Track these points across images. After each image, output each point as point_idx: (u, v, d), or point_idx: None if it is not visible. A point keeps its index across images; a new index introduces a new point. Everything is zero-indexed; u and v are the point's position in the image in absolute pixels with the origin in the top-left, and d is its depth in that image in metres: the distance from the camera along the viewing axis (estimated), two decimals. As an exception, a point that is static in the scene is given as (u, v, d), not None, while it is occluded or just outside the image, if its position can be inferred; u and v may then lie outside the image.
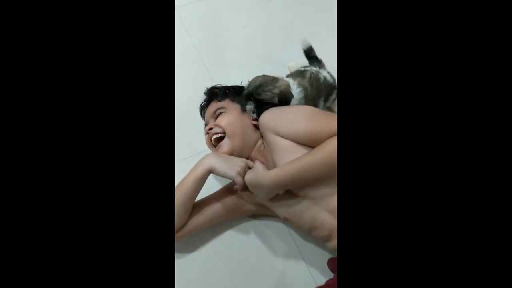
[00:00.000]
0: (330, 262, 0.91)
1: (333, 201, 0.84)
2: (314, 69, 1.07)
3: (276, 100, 0.93)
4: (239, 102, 1.01)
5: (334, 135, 0.80)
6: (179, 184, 0.90)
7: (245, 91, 0.97)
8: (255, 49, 1.39)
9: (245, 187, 0.88)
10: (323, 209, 0.86)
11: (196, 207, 0.95)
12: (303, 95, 0.98)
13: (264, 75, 0.99)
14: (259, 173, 0.85)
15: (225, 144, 0.95)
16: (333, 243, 0.87)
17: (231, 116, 0.98)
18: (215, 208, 0.97)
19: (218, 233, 1.05)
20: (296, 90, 0.97)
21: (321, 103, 1.05)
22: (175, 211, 0.87)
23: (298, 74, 1.03)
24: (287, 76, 1.03)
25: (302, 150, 0.84)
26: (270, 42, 1.41)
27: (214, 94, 1.06)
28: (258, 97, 0.94)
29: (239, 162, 0.89)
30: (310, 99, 1.00)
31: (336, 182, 0.79)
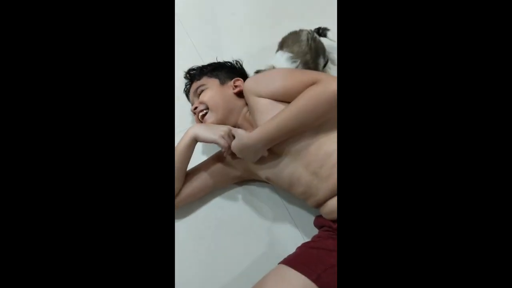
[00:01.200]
0: (316, 220, 0.97)
1: (308, 155, 0.89)
2: (309, 30, 1.08)
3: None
4: (217, 76, 1.06)
5: (307, 87, 0.85)
6: None
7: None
8: (245, 34, 1.35)
9: (232, 153, 0.93)
10: (300, 165, 0.90)
11: (188, 176, 1.01)
12: (302, 65, 1.02)
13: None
14: (243, 137, 0.89)
15: (209, 117, 1.01)
16: (311, 200, 0.92)
17: (211, 91, 1.03)
18: (206, 175, 1.03)
19: (207, 200, 1.10)
20: (293, 64, 1.01)
21: (321, 61, 1.08)
22: None
23: (294, 40, 1.05)
24: (281, 49, 1.05)
25: (281, 107, 0.88)
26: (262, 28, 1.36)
27: (192, 75, 1.11)
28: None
29: (222, 127, 0.94)
30: (311, 63, 1.03)
31: (313, 133, 0.88)
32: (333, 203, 0.87)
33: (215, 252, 1.04)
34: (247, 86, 0.96)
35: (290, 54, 1.02)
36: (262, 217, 1.08)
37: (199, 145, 1.02)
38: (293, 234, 1.04)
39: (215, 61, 1.14)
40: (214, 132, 0.92)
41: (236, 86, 1.04)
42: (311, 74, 0.89)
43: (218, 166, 1.03)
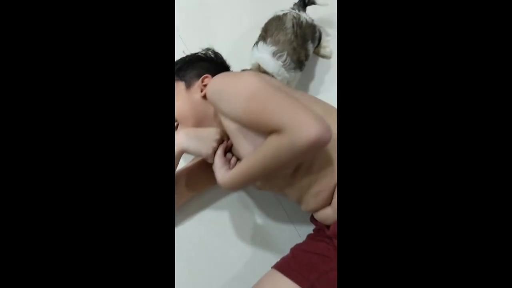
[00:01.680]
0: (312, 216, 0.93)
1: (296, 179, 0.80)
2: (294, 11, 1.02)
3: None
4: (183, 78, 0.90)
5: (270, 130, 0.67)
6: None
7: None
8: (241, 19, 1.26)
9: None
10: (288, 184, 0.83)
11: (177, 177, 0.94)
12: (287, 54, 0.96)
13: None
14: (217, 177, 0.80)
15: (180, 130, 0.86)
16: (303, 207, 0.86)
17: (177, 99, 0.87)
18: (195, 177, 0.97)
19: (200, 200, 1.06)
20: (280, 59, 0.95)
21: (310, 45, 1.02)
22: None
23: (278, 27, 0.98)
24: (263, 40, 0.98)
25: (250, 134, 0.74)
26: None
27: None
28: None
29: (213, 136, 0.83)
30: (300, 49, 0.98)
31: (287, 173, 0.78)
32: (325, 212, 0.82)
33: (210, 252, 1.02)
34: (209, 95, 0.79)
35: (274, 48, 0.96)
36: (257, 214, 1.05)
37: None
38: (289, 231, 1.03)
39: (185, 55, 0.97)
40: (205, 145, 0.81)
41: (204, 86, 0.87)
42: (279, 114, 0.65)
43: (208, 167, 0.90)
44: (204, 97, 0.86)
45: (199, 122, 0.87)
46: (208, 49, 0.97)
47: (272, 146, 0.66)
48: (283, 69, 0.96)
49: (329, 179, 0.76)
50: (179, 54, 1.00)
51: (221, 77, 0.79)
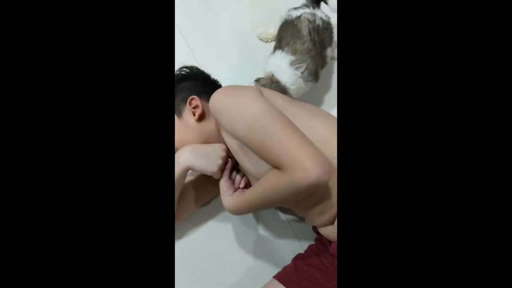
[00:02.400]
0: (314, 227, 0.92)
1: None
2: (308, 11, 0.92)
3: None
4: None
5: (271, 163, 0.66)
6: None
7: None
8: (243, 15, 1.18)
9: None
10: (292, 204, 0.83)
11: (184, 189, 0.91)
12: (307, 64, 0.89)
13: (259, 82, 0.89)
14: (223, 201, 0.80)
15: None
16: (308, 222, 0.85)
17: (176, 134, 0.85)
18: (202, 188, 0.94)
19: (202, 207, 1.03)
20: (298, 70, 0.88)
21: (329, 50, 0.95)
22: None
23: (293, 36, 0.90)
24: (280, 48, 0.91)
25: (251, 154, 0.73)
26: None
27: None
28: None
29: (218, 153, 0.81)
30: (318, 58, 0.91)
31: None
32: (327, 230, 0.78)
33: (211, 259, 0.99)
34: (212, 108, 0.74)
35: (293, 58, 0.89)
36: (259, 221, 1.03)
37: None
38: (290, 239, 1.02)
39: None
40: (210, 163, 0.79)
41: (194, 108, 0.84)
42: (279, 153, 0.64)
43: (211, 179, 0.87)
44: (200, 118, 0.84)
45: (205, 143, 0.84)
46: (181, 68, 0.92)
47: (271, 182, 0.67)
48: (300, 80, 0.90)
49: (333, 201, 0.74)
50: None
51: (221, 94, 0.74)
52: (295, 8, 0.94)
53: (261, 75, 0.93)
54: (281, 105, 0.73)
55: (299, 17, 0.92)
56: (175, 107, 0.86)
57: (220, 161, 0.80)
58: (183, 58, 1.07)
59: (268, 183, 0.67)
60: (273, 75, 0.89)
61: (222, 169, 0.82)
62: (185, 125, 0.85)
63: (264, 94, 0.73)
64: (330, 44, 0.94)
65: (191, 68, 0.92)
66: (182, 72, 0.91)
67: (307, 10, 0.93)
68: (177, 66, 0.93)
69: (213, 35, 1.14)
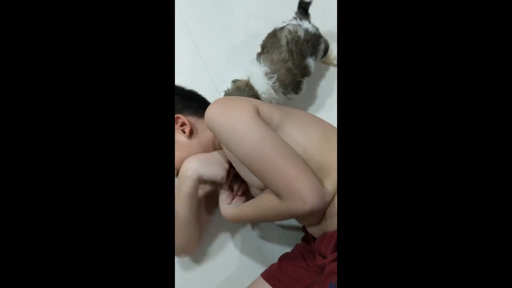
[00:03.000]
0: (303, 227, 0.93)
1: None
2: (294, 22, 0.93)
3: None
4: None
5: (271, 189, 0.68)
6: (177, 208, 0.84)
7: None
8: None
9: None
10: None
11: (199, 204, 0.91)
12: (278, 75, 0.90)
13: (233, 90, 0.91)
14: (220, 207, 0.84)
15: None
16: (298, 221, 0.89)
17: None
18: (213, 199, 0.94)
19: None
20: (270, 81, 0.90)
21: (311, 61, 0.93)
22: (186, 236, 0.87)
23: (273, 45, 0.92)
24: (258, 56, 0.93)
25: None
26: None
27: None
28: None
29: (223, 158, 0.83)
30: (295, 69, 0.91)
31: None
32: (312, 229, 0.80)
33: (203, 254, 1.02)
34: (208, 126, 0.73)
35: (267, 68, 0.91)
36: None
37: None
38: (279, 237, 1.05)
39: None
40: (218, 169, 0.81)
41: (182, 126, 0.85)
42: (277, 183, 0.66)
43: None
44: (190, 134, 0.85)
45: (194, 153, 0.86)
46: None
47: (269, 206, 0.71)
48: (272, 90, 0.91)
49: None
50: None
51: (215, 113, 0.72)
52: (284, 22, 0.96)
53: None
54: (279, 119, 0.74)
55: (282, 28, 0.93)
56: None
57: (227, 166, 0.83)
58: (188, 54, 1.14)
59: (266, 206, 0.72)
60: (249, 80, 0.91)
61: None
62: (179, 145, 0.85)
63: (260, 111, 0.73)
64: (312, 54, 0.93)
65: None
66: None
67: (293, 22, 0.94)
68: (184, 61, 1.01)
69: (221, 32, 1.18)
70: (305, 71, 0.93)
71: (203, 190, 0.96)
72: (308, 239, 0.90)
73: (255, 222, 0.88)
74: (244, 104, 0.72)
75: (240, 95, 0.90)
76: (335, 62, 1.06)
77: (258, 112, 0.71)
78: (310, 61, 0.93)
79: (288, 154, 0.68)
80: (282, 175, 0.65)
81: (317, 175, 0.69)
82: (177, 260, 1.01)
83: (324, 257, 0.74)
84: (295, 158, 0.68)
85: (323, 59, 1.03)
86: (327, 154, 0.72)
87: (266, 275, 0.90)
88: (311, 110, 1.10)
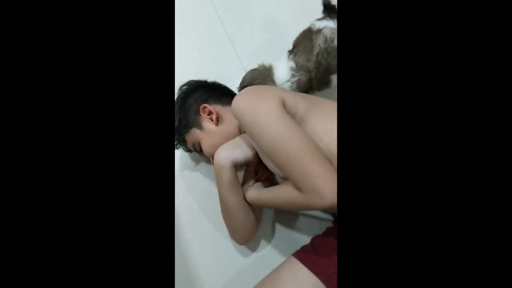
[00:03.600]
0: None
1: None
2: (332, 25, 0.85)
3: None
4: (190, 126, 0.93)
5: (291, 181, 0.71)
6: (221, 200, 0.89)
7: (238, 88, 0.92)
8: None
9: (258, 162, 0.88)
10: None
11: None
12: (299, 81, 0.86)
13: (253, 71, 0.88)
14: (243, 186, 0.89)
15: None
16: None
17: (202, 143, 0.93)
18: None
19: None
20: (289, 75, 0.85)
21: (334, 77, 0.88)
22: (241, 221, 0.90)
23: (304, 49, 0.85)
24: (290, 53, 0.86)
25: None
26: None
27: (180, 144, 0.98)
28: None
29: (249, 144, 0.86)
30: (315, 82, 0.85)
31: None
32: None
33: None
34: (234, 112, 0.77)
35: (293, 65, 0.85)
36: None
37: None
38: (310, 221, 1.04)
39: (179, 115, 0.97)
40: (247, 149, 0.84)
41: (209, 115, 0.91)
42: (299, 177, 0.69)
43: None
44: (218, 121, 0.90)
45: (225, 140, 0.89)
46: (181, 87, 0.97)
47: (289, 197, 0.73)
48: (288, 86, 0.88)
49: None
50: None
51: (241, 103, 0.76)
52: (320, 19, 0.87)
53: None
54: (303, 111, 0.75)
55: (320, 31, 0.85)
56: (193, 122, 0.91)
57: (253, 146, 0.84)
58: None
59: (286, 196, 0.74)
60: (271, 67, 0.88)
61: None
62: (209, 133, 0.91)
63: (286, 103, 0.74)
64: (336, 70, 0.87)
65: (188, 83, 0.97)
66: (183, 90, 0.96)
67: (331, 24, 0.85)
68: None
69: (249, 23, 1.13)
70: (323, 86, 0.88)
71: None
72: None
73: (273, 208, 0.90)
74: (270, 96, 0.73)
75: (252, 76, 0.89)
76: None
77: (284, 104, 0.73)
78: (333, 77, 0.88)
79: (310, 150, 0.69)
80: (303, 170, 0.67)
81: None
82: (198, 235, 1.03)
83: None
84: (316, 153, 0.69)
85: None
86: None
87: (298, 255, 0.90)
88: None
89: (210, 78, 1.02)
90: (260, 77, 0.88)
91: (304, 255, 0.88)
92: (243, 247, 1.01)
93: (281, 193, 0.77)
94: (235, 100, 0.75)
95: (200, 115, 0.92)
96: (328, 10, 0.88)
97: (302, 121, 0.74)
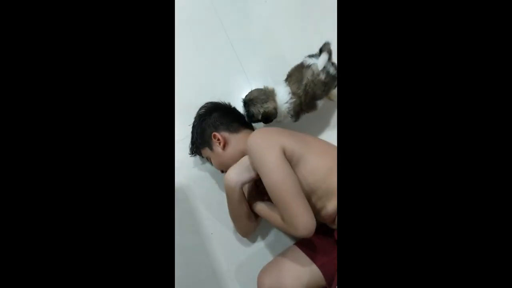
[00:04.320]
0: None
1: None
2: (318, 65, 1.10)
3: (259, 117, 1.10)
4: (204, 144, 1.19)
5: (279, 210, 0.98)
6: (230, 210, 1.16)
7: (243, 99, 1.15)
8: (276, 23, 1.41)
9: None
10: None
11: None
12: (294, 103, 1.11)
13: (259, 90, 1.11)
14: (247, 197, 1.14)
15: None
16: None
17: (212, 160, 1.19)
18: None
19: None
20: (288, 98, 1.10)
21: (319, 102, 1.14)
22: (246, 223, 1.18)
23: (296, 79, 1.10)
24: (286, 79, 1.12)
25: None
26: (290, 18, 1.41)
27: (194, 152, 1.26)
28: (247, 108, 1.11)
29: (247, 162, 1.08)
30: (304, 105, 1.11)
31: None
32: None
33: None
34: (248, 149, 1.02)
35: (289, 90, 1.10)
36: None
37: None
38: None
39: (193, 123, 1.24)
40: (252, 170, 1.05)
41: (218, 141, 1.15)
42: (285, 211, 0.96)
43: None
44: (224, 146, 1.15)
45: (235, 161, 1.12)
46: (201, 108, 1.24)
47: (277, 222, 1.02)
48: (286, 106, 1.12)
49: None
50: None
51: (254, 145, 1.01)
52: (311, 56, 1.13)
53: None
54: (298, 156, 1.01)
55: (309, 66, 1.11)
56: (206, 144, 1.18)
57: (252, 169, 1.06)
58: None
59: (275, 220, 1.03)
60: (274, 90, 1.12)
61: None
62: (217, 154, 1.17)
63: (285, 149, 0.99)
64: (322, 97, 1.13)
65: (206, 106, 1.23)
66: (201, 113, 1.22)
67: (316, 64, 1.11)
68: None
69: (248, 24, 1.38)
70: (311, 109, 1.14)
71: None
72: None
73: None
74: (275, 143, 1.00)
75: (255, 94, 1.12)
76: (334, 99, 1.27)
77: (284, 151, 0.99)
78: (319, 102, 1.14)
79: (295, 194, 0.96)
80: (287, 208, 0.96)
81: (325, 197, 1.01)
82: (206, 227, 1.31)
83: None
84: (299, 197, 0.96)
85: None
86: (331, 180, 0.99)
87: (298, 244, 1.17)
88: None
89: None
90: (265, 95, 1.10)
91: (303, 244, 1.14)
92: (252, 237, 1.30)
93: (274, 217, 1.04)
94: (251, 139, 1.01)
95: (211, 139, 1.17)
96: (321, 51, 1.12)
97: (298, 162, 1.00)
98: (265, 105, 1.09)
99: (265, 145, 1.00)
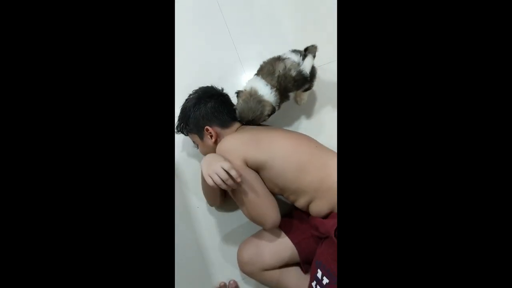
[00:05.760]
0: None
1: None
2: (296, 60, 1.20)
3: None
4: (195, 131, 1.26)
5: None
6: (203, 190, 1.28)
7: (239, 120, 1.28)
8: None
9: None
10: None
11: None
12: (273, 92, 1.22)
13: (247, 102, 1.20)
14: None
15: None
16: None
17: (199, 147, 1.30)
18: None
19: None
20: (269, 90, 1.21)
21: (291, 94, 1.25)
22: (215, 196, 1.29)
23: (268, 73, 1.21)
24: (257, 74, 1.24)
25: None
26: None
27: (181, 131, 1.32)
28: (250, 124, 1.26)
29: (222, 163, 1.04)
30: (281, 94, 1.22)
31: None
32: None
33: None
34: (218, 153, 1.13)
35: (265, 82, 1.20)
36: None
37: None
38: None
39: (182, 106, 1.29)
40: (210, 168, 1.04)
41: (210, 135, 1.24)
42: (250, 211, 1.13)
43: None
44: (215, 140, 1.24)
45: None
46: (190, 95, 1.31)
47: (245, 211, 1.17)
48: (274, 93, 1.21)
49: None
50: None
51: (219, 152, 1.13)
52: (294, 51, 1.23)
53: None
54: (263, 164, 1.12)
55: (283, 60, 1.22)
56: (198, 132, 1.26)
57: (218, 169, 1.04)
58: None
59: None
60: (252, 90, 1.20)
61: (217, 177, 1.08)
62: (207, 145, 1.27)
63: (248, 160, 1.11)
64: (293, 90, 1.24)
65: (202, 90, 1.29)
66: (199, 94, 1.28)
67: (295, 59, 1.21)
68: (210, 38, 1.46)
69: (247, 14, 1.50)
70: (285, 99, 1.25)
71: None
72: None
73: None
74: (237, 155, 1.11)
75: (249, 107, 1.19)
76: (302, 103, 1.38)
77: (247, 162, 1.10)
78: (290, 94, 1.25)
79: (261, 195, 1.11)
80: (254, 208, 1.12)
81: (296, 194, 1.14)
82: (196, 208, 1.44)
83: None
84: (265, 197, 1.12)
85: (297, 93, 1.32)
86: (301, 181, 1.11)
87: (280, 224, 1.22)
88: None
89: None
90: (256, 103, 1.18)
91: (282, 222, 1.21)
92: (229, 216, 1.43)
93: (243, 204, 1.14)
94: (219, 148, 1.15)
95: (204, 132, 1.25)
96: (306, 50, 1.23)
97: (263, 168, 1.12)
98: (265, 112, 1.20)
99: (228, 156, 1.10)
